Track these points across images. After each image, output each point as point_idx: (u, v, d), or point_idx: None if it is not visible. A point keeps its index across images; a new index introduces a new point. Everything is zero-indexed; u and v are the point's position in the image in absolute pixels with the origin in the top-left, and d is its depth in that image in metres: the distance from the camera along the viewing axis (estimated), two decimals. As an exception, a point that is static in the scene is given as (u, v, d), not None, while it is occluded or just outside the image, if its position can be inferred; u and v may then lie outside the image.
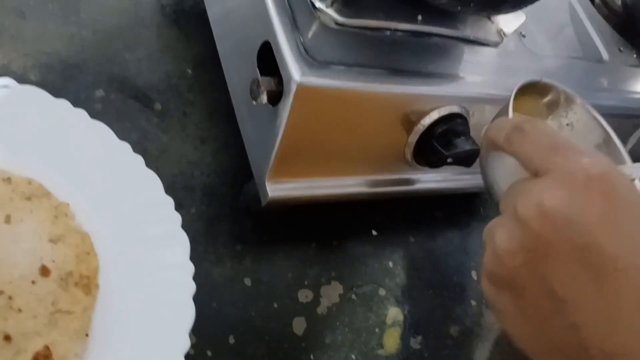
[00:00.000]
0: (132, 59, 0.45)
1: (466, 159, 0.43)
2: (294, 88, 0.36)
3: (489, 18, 0.49)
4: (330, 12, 0.40)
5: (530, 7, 0.45)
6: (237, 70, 0.44)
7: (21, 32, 0.42)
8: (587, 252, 0.25)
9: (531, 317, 0.27)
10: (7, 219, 0.34)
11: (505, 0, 0.42)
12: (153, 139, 0.43)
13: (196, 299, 0.35)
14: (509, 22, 0.50)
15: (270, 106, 0.38)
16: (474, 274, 0.53)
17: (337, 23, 0.40)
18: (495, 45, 0.50)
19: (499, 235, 0.27)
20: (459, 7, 0.42)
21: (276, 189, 0.40)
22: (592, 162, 0.26)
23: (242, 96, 0.43)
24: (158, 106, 0.45)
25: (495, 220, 0.29)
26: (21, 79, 0.39)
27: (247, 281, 0.42)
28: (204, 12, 0.48)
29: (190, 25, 0.49)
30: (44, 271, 0.34)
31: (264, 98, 0.37)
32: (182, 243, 0.37)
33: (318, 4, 0.40)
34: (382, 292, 0.47)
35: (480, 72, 0.48)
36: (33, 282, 0.33)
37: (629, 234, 0.25)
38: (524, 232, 0.26)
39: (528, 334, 0.27)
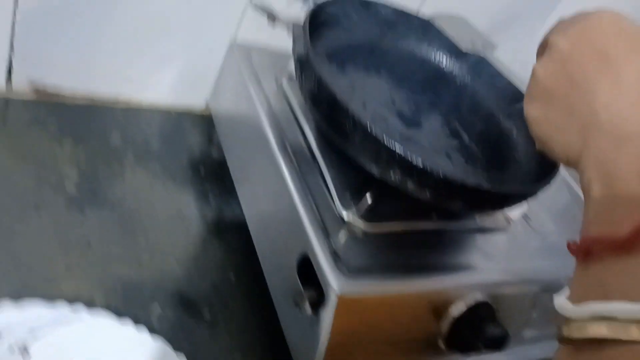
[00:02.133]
0: (183, 273, 0.51)
1: (496, 344, 0.46)
2: (334, 299, 0.40)
3: (495, 208, 0.55)
4: (358, 222, 0.46)
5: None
6: (278, 276, 0.49)
7: (88, 260, 0.48)
8: (603, 53, 0.33)
9: (559, 112, 0.34)
10: None
11: (505, 202, 0.48)
12: (204, 350, 0.47)
13: None
14: (513, 209, 0.56)
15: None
16: None
17: (364, 232, 0.46)
18: (503, 230, 0.55)
19: (535, 66, 0.36)
20: (468, 212, 0.48)
21: (323, 390, 0.43)
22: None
23: (284, 302, 0.47)
24: (207, 316, 0.49)
25: None
26: (90, 303, 0.44)
27: None
28: (244, 222, 0.55)
29: (231, 235, 0.55)
30: None
31: (307, 309, 0.41)
32: None
33: (346, 217, 0.46)
34: None
35: (493, 258, 0.52)
36: None
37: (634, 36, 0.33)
38: (552, 50, 0.35)
39: (554, 129, 0.35)
